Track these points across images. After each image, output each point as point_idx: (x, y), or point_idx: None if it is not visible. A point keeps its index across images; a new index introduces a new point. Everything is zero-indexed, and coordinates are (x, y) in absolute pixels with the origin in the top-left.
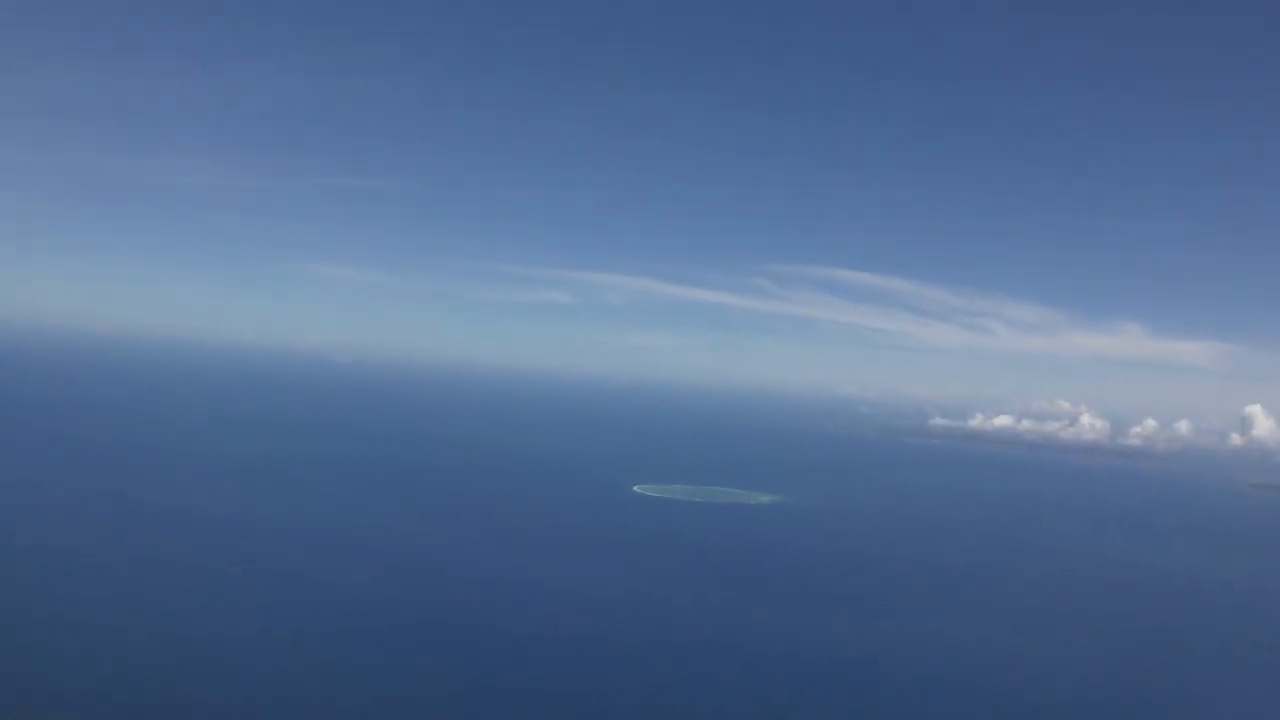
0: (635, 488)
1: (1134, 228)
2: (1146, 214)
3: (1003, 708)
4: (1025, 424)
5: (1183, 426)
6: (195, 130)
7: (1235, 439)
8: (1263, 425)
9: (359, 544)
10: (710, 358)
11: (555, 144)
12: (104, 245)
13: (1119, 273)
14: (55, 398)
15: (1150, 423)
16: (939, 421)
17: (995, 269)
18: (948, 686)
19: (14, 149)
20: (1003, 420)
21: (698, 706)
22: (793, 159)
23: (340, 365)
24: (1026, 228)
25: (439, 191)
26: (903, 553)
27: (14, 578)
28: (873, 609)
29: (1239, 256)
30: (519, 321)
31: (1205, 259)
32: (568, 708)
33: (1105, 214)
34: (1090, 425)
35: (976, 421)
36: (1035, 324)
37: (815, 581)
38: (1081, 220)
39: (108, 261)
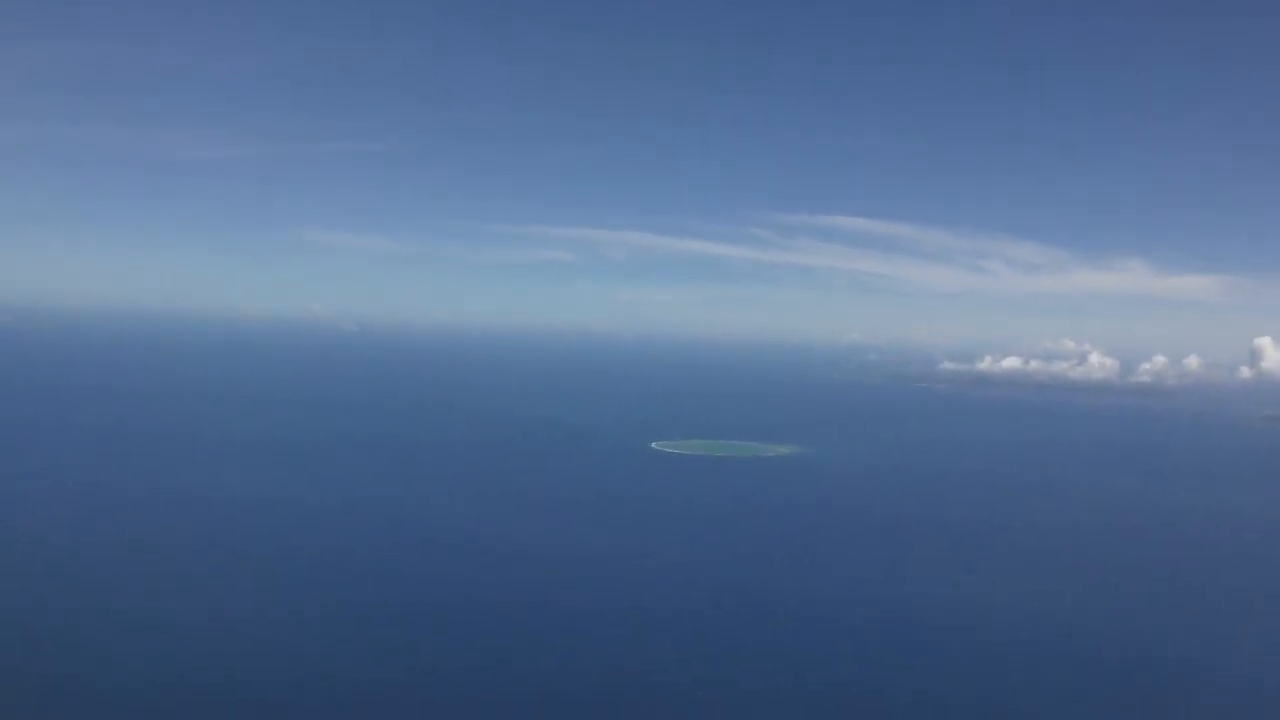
0: (654, 444)
1: (1133, 163)
2: (1146, 148)
3: (1033, 659)
4: (1034, 365)
5: (1192, 361)
6: (187, 102)
7: (1245, 372)
8: (1272, 357)
9: (386, 519)
10: (713, 310)
11: (550, 101)
12: (103, 221)
13: (1120, 209)
14: (65, 382)
15: (1159, 359)
16: (947, 366)
17: (995, 209)
18: (983, 640)
19: (10, 126)
20: (1011, 362)
21: (741, 673)
22: (788, 107)
23: (347, 334)
24: (1025, 166)
25: (435, 154)
26: (924, 505)
27: (47, 567)
28: (902, 562)
29: (1241, 188)
30: (520, 281)
31: (1207, 192)
32: (604, 681)
33: (1104, 150)
34: (1099, 364)
35: (985, 364)
36: (1038, 263)
37: (841, 536)
38: (1080, 157)
39: (107, 238)
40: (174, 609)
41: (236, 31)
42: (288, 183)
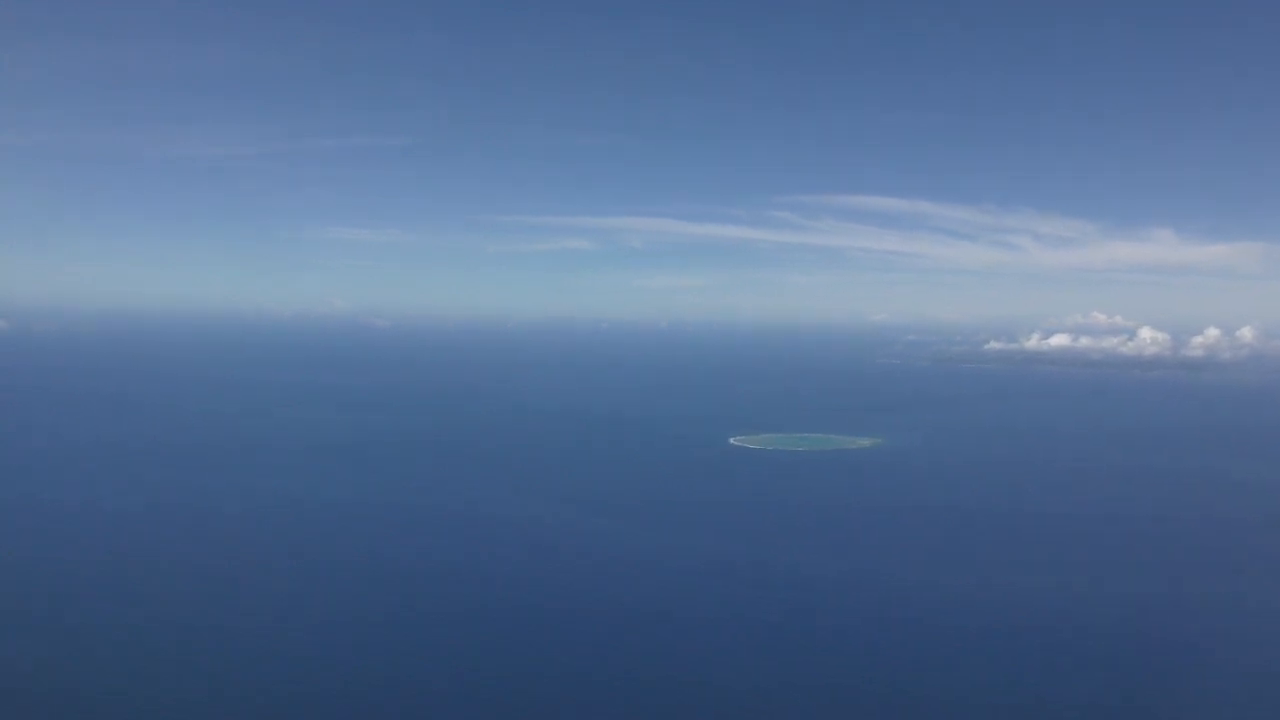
0: (732, 440)
1: (1160, 132)
2: (1172, 117)
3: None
4: (1084, 341)
5: (1245, 333)
6: (199, 100)
7: None
8: None
9: (468, 525)
10: (736, 294)
11: (565, 89)
12: (119, 222)
13: (1148, 179)
14: (114, 388)
15: (1212, 331)
16: (994, 345)
17: (1020, 183)
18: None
19: (16, 133)
20: (1060, 339)
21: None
22: (805, 86)
23: (381, 330)
24: (1049, 139)
25: (450, 146)
26: (1028, 498)
27: (126, 577)
28: (1023, 559)
29: (1270, 154)
30: (543, 271)
31: (1236, 159)
32: (688, 687)
33: (1129, 120)
34: (1151, 338)
35: (1032, 342)
36: (1066, 237)
37: (958, 533)
38: (1105, 127)
39: (125, 240)
40: (244, 617)
41: (244, 28)
42: (304, 179)
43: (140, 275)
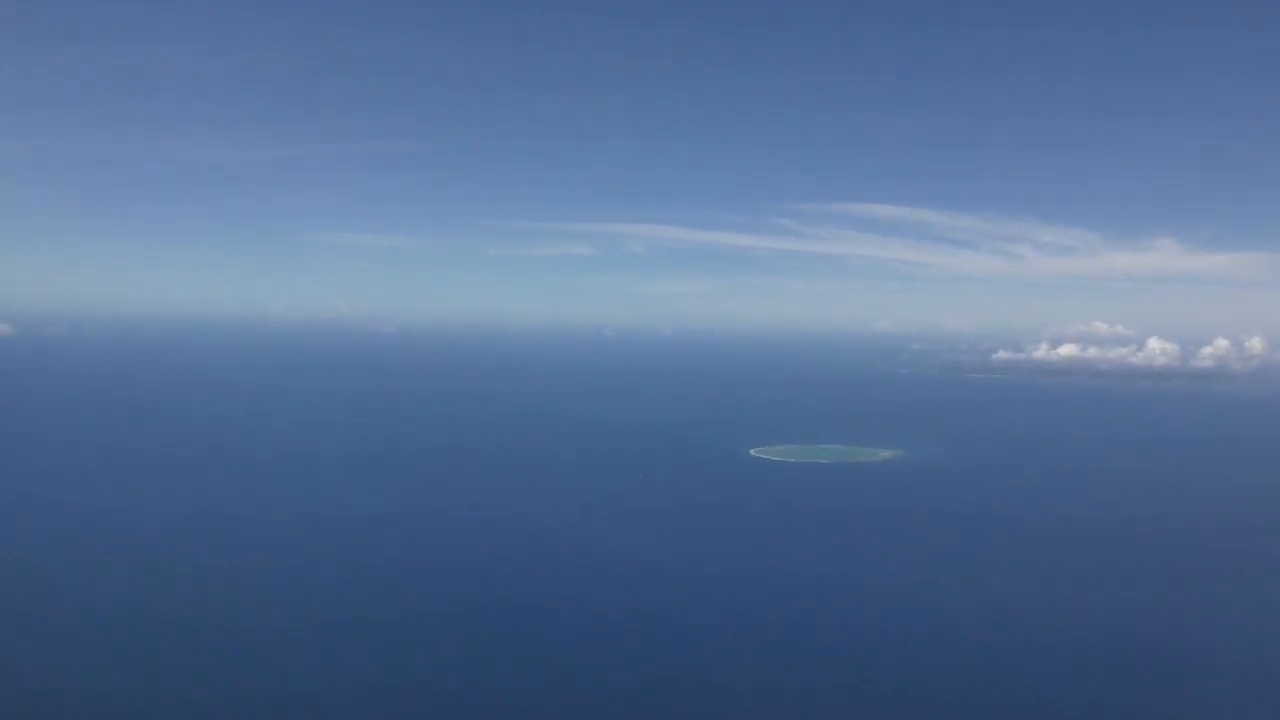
0: (753, 451)
1: (1161, 140)
2: (1174, 125)
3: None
4: (1093, 351)
5: (1256, 344)
6: (205, 105)
7: None
8: None
9: (495, 533)
10: (737, 301)
11: (567, 96)
12: (126, 228)
13: (1149, 188)
14: (107, 394)
15: (1222, 342)
16: (1002, 355)
17: (1022, 192)
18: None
19: (23, 138)
20: (1068, 349)
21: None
22: (806, 94)
23: (389, 336)
24: (1051, 148)
25: (454, 152)
26: (1060, 506)
27: (160, 583)
28: (1066, 569)
29: (1272, 163)
30: (544, 277)
31: (1238, 168)
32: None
33: (1129, 127)
34: (1160, 349)
35: (1040, 352)
36: (1068, 246)
37: (992, 545)
38: (1107, 136)
39: (131, 244)
40: (246, 618)
41: (253, 33)
42: (309, 184)
43: (145, 280)
